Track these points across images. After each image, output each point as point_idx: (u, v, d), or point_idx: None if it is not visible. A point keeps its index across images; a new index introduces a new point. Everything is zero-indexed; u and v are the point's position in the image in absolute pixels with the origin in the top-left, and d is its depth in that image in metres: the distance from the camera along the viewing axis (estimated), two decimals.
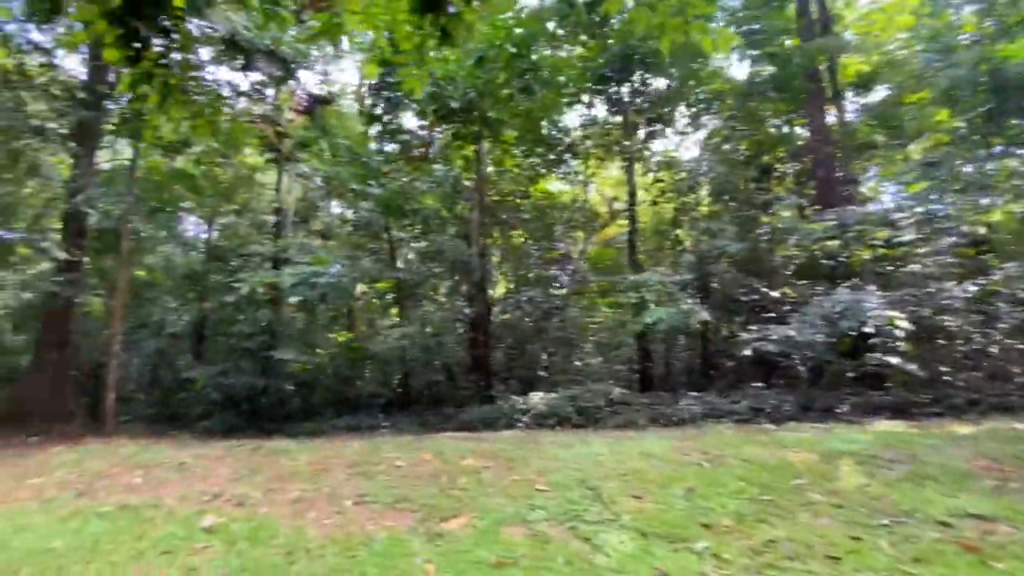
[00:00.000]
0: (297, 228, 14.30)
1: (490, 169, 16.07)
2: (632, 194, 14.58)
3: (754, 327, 9.79)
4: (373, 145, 13.45)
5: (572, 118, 18.91)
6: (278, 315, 11.72)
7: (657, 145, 17.23)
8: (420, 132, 11.82)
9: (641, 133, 16.71)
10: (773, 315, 11.53)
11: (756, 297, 11.12)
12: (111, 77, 13.07)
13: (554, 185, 19.87)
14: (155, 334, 12.95)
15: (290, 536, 4.70)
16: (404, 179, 11.84)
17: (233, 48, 9.45)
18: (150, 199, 13.40)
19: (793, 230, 11.27)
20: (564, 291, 16.29)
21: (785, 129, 15.37)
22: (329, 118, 15.37)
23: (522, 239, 16.98)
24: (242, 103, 12.73)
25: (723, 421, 8.54)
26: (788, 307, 11.18)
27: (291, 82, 11.86)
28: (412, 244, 13.94)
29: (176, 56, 3.48)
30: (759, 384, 11.57)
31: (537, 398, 9.59)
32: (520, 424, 8.60)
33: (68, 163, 12.59)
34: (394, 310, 17.53)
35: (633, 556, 4.11)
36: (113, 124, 12.47)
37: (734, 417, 8.80)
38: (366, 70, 4.04)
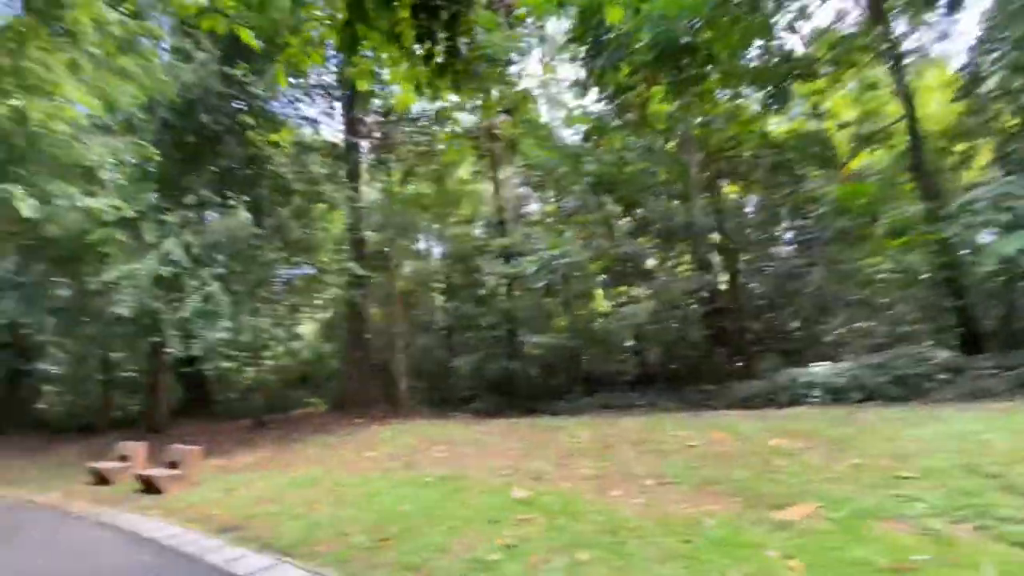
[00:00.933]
0: (517, 222, 15.09)
1: (698, 119, 14.36)
2: (907, 99, 11.23)
3: None
4: (570, 131, 13.27)
5: (794, 40, 15.71)
6: (516, 304, 12.49)
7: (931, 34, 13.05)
8: (632, 91, 11.08)
9: (901, 25, 12.90)
10: None
11: None
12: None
13: (779, 122, 16.85)
14: (421, 331, 15.25)
15: (605, 514, 4.55)
16: (616, 148, 11.31)
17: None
18: (398, 221, 15.62)
19: None
20: (816, 242, 13.62)
21: None
22: (526, 111, 15.79)
23: (751, 191, 14.76)
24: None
25: None
26: None
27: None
28: (629, 217, 13.30)
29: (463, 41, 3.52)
30: None
31: (824, 369, 7.97)
32: (812, 399, 7.20)
33: (344, 202, 15.44)
34: (608, 290, 17.16)
35: None
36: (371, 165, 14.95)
37: None
38: (611, 15, 3.80)
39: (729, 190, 15.18)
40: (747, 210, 16.89)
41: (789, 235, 15.55)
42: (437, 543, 4.53)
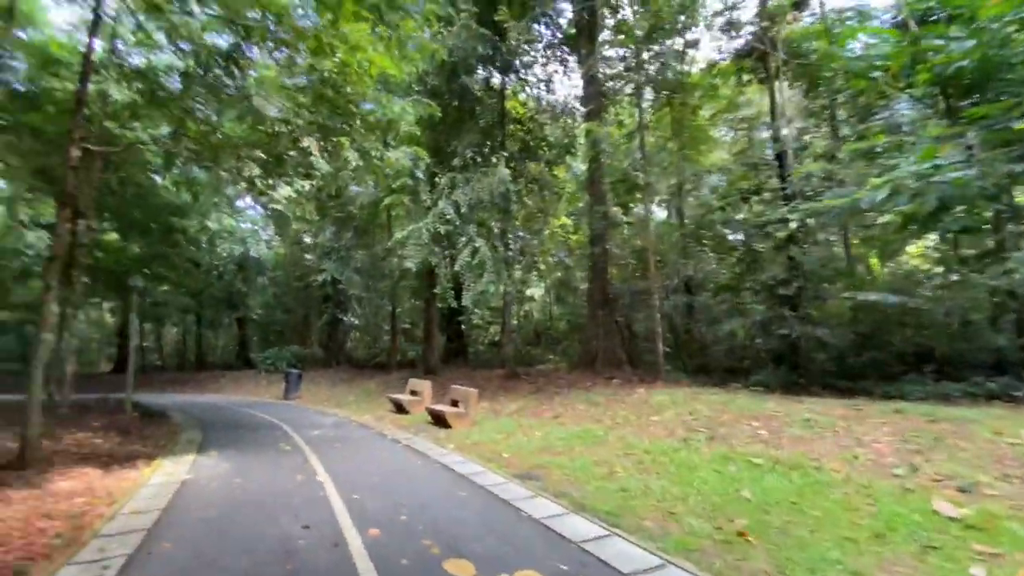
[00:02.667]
0: (797, 157, 11.99)
1: None
2: None
3: None
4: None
5: None
6: (806, 257, 9.82)
7: None
8: None
9: None
10: None
11: None
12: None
13: None
14: (677, 290, 13.68)
15: None
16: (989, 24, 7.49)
17: None
18: (640, 168, 14.05)
19: None
20: None
21: None
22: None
23: None
24: None
25: None
26: None
27: None
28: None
29: None
30: None
31: None
32: None
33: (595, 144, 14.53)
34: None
35: None
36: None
37: None
38: None
39: None
40: None
41: None
42: (838, 561, 3.12)
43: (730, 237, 14.61)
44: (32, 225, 16.63)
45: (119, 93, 10.03)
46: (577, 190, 18.59)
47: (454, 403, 10.16)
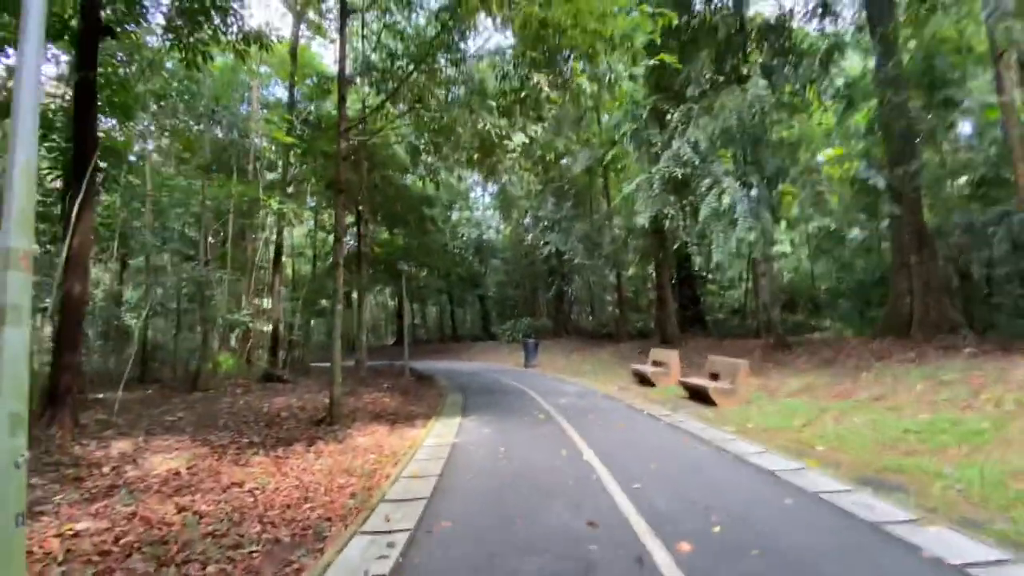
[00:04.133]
0: None
1: None
2: None
3: None
4: None
5: None
6: None
7: None
8: None
9: None
10: None
11: None
12: None
13: None
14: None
15: None
16: None
17: None
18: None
19: None
20: None
21: None
22: None
23: None
24: None
25: None
26: None
27: None
28: None
29: None
30: None
31: None
32: None
33: None
34: None
35: None
36: None
37: None
38: None
39: None
40: None
41: None
42: None
43: None
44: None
45: (372, 98, 11.23)
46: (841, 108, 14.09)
47: (713, 376, 8.52)
